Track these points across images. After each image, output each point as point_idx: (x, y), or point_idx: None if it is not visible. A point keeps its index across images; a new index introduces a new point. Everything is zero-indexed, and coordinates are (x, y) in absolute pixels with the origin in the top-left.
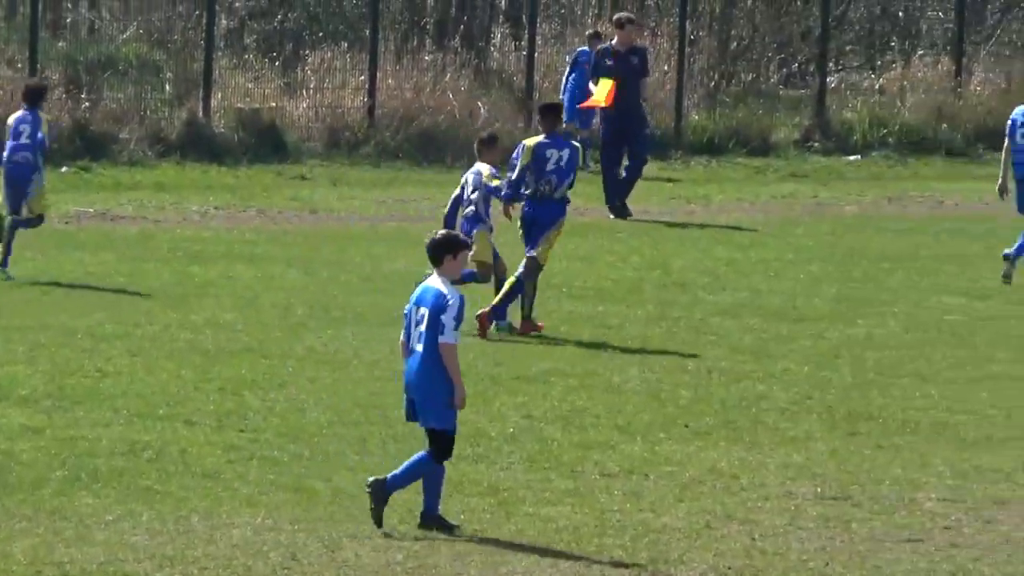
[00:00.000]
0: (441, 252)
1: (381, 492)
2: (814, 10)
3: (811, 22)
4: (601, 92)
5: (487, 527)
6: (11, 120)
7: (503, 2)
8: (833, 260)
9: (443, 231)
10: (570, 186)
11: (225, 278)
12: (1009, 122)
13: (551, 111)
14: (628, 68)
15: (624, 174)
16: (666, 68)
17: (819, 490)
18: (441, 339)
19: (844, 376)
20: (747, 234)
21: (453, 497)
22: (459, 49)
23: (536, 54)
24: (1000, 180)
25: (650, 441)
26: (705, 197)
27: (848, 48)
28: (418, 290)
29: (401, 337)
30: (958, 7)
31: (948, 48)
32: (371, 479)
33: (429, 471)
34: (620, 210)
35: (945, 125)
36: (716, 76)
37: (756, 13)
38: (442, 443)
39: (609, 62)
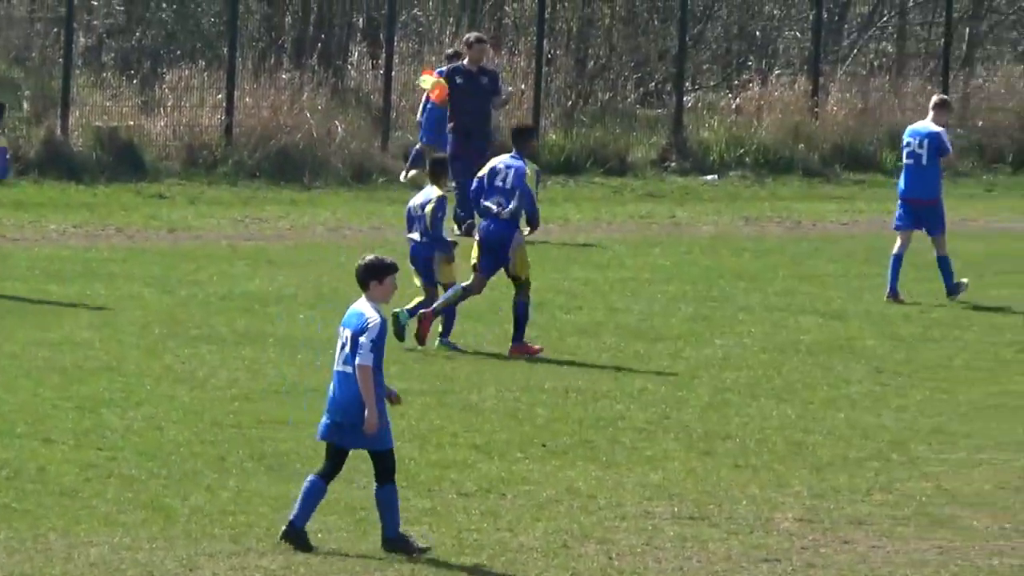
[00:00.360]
0: (367, 277)
1: (400, 541)
2: (671, 29)
3: (668, 41)
4: (430, 83)
5: (345, 546)
6: None
7: (360, 20)
8: (690, 280)
9: (370, 256)
10: (525, 213)
11: (83, 296)
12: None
13: (519, 133)
14: (478, 88)
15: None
16: (523, 87)
17: (676, 510)
18: (357, 360)
19: (701, 396)
20: (604, 254)
21: (311, 516)
22: (316, 68)
23: (393, 73)
24: None
25: (507, 460)
26: (563, 217)
27: (705, 67)
28: (347, 312)
29: None
30: (815, 27)
31: (805, 68)
32: (384, 547)
33: (387, 496)
34: (469, 228)
35: (802, 145)
36: (573, 95)
37: (613, 32)
38: (386, 462)
39: (460, 81)
